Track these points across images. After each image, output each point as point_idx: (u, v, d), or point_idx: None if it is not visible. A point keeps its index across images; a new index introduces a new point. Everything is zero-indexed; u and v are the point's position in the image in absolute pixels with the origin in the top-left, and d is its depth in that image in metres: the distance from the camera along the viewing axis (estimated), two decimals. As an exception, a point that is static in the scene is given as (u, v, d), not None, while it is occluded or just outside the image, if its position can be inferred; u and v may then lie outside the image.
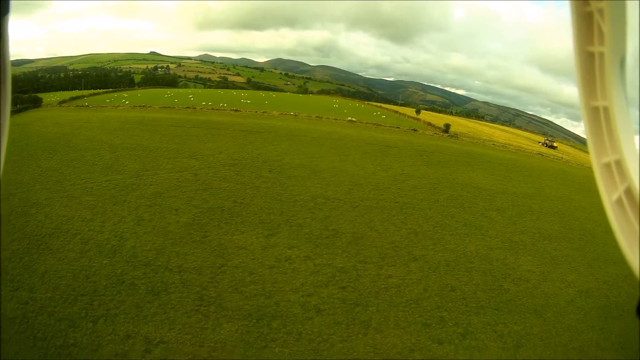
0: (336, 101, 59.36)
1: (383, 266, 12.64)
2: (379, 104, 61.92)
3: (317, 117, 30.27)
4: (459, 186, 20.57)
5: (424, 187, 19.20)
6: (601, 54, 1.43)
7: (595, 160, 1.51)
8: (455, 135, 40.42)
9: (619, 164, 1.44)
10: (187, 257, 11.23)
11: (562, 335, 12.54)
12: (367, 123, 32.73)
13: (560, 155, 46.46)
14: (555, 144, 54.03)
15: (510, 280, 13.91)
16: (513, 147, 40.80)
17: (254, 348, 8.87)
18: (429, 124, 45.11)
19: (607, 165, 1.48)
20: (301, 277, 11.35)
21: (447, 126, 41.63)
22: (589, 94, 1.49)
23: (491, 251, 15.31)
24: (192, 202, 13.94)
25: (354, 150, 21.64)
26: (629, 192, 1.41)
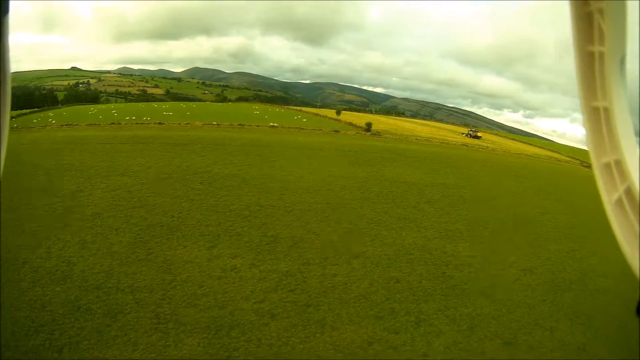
0: (256, 107, 61.17)
1: (326, 266, 13.51)
2: (298, 108, 64.57)
3: (239, 125, 31.25)
4: (387, 182, 22.16)
5: (353, 186, 20.58)
6: (601, 54, 1.58)
7: (595, 161, 1.68)
8: (377, 133, 43.10)
9: (619, 164, 1.60)
10: (136, 276, 11.45)
11: (515, 312, 13.42)
12: (289, 128, 34.37)
13: (485, 144, 51.39)
14: (479, 134, 59.52)
15: (453, 266, 15.15)
16: (437, 140, 44.47)
17: (221, 358, 9.31)
18: (351, 124, 47.95)
19: (607, 166, 1.64)
20: (249, 284, 11.99)
21: (369, 125, 44.67)
22: (589, 95, 1.65)
23: (428, 241, 16.62)
24: (131, 221, 14.17)
25: (280, 156, 22.89)
26: (628, 192, 1.57)
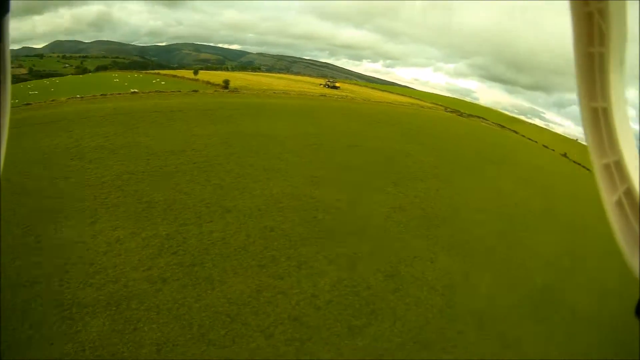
0: (115, 75, 57.52)
1: (202, 224, 14.23)
2: (156, 71, 62.07)
3: (101, 95, 29.86)
4: (249, 137, 22.90)
5: (216, 144, 21.11)
6: (601, 55, 1.66)
7: (595, 162, 1.75)
8: (236, 90, 43.22)
9: (619, 165, 1.69)
10: (31, 267, 11.28)
11: (392, 246, 15.36)
12: (149, 92, 33.25)
13: (344, 94, 54.21)
14: (337, 84, 62.26)
15: (322, 210, 16.60)
16: (295, 93, 45.57)
17: (126, 333, 9.76)
18: (208, 82, 47.44)
19: (607, 167, 1.72)
20: (135, 254, 12.41)
21: (227, 82, 44.60)
22: (589, 95, 1.73)
23: (296, 189, 17.91)
24: (16, 210, 13.54)
25: (142, 122, 22.66)
26: (628, 193, 1.66)
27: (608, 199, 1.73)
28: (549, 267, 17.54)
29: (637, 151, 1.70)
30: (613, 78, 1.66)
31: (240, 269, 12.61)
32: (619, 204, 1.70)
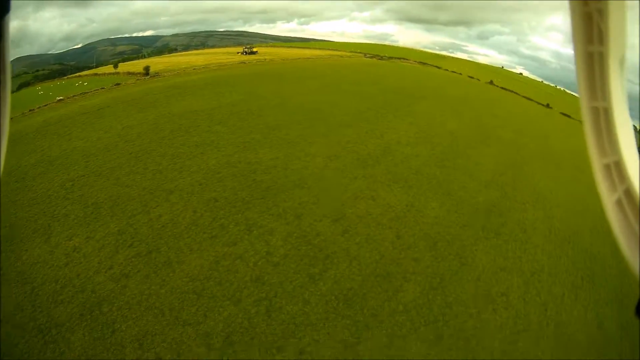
0: (39, 88, 54.74)
1: (149, 210, 14.27)
2: (76, 75, 59.50)
3: (30, 111, 28.59)
4: (176, 117, 22.84)
5: (147, 131, 20.83)
6: (601, 54, 1.65)
7: (595, 161, 1.74)
8: (157, 75, 42.46)
9: (618, 165, 1.69)
10: (1, 302, 10.99)
11: (333, 192, 15.98)
12: (73, 96, 32.19)
13: (262, 57, 53.98)
14: (255, 50, 61.81)
15: (260, 172, 16.94)
16: (214, 66, 45.03)
17: (107, 338, 9.95)
18: (129, 73, 46.27)
19: (607, 167, 1.72)
20: (94, 257, 12.37)
21: (147, 68, 43.56)
22: (589, 95, 1.72)
23: (230, 157, 18.10)
24: None
25: (73, 127, 22.07)
26: (628, 193, 1.65)
27: (608, 199, 1.70)
28: (490, 186, 18.55)
29: (637, 151, 1.69)
30: (613, 78, 1.66)
31: (194, 245, 12.74)
32: (619, 204, 1.69)
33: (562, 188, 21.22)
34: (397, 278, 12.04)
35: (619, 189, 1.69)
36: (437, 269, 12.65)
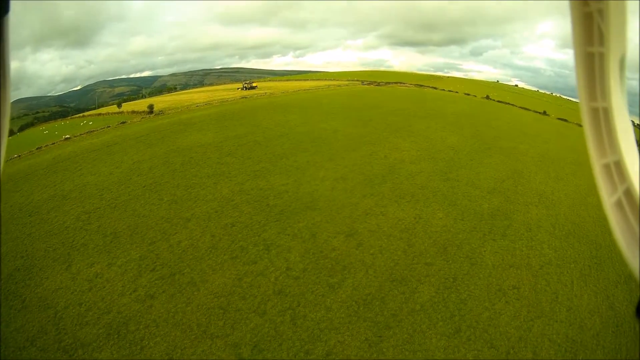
0: (43, 128, 55.94)
1: (169, 238, 14.80)
2: (81, 114, 61.06)
3: (37, 149, 29.54)
4: (186, 151, 23.61)
5: (158, 164, 21.49)
6: (601, 55, 1.66)
7: (595, 162, 1.74)
8: (161, 112, 43.74)
9: (618, 165, 1.68)
10: (25, 327, 11.56)
11: (344, 211, 17.04)
12: (81, 134, 33.21)
13: (262, 91, 55.25)
14: (254, 84, 63.37)
15: (273, 197, 17.80)
16: (217, 101, 46.37)
17: (136, 354, 10.39)
18: (134, 111, 47.84)
19: (607, 167, 1.72)
20: (117, 281, 12.75)
21: (151, 107, 45.01)
22: (589, 95, 1.73)
23: (243, 185, 18.85)
24: None
25: (84, 163, 22.90)
26: (628, 193, 1.65)
27: (608, 199, 1.69)
28: (493, 193, 19.10)
29: (637, 151, 1.69)
30: (613, 78, 1.66)
31: (216, 266, 13.16)
32: (619, 204, 1.69)
33: (562, 186, 22.00)
34: (412, 281, 12.56)
35: (619, 189, 1.69)
36: (449, 271, 13.18)
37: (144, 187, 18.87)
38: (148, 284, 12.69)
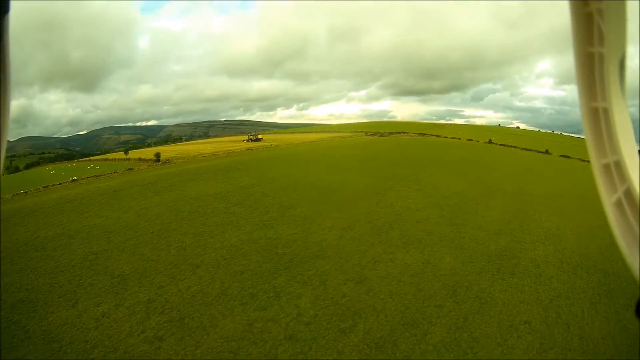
0: (50, 168, 57.28)
1: (178, 283, 14.72)
2: (87, 158, 62.64)
3: (44, 187, 29.86)
4: (194, 200, 24.05)
5: (166, 212, 21.85)
6: (601, 55, 1.65)
7: (595, 162, 1.75)
8: (168, 161, 44.51)
9: (618, 165, 1.67)
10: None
11: (352, 258, 17.04)
12: (87, 178, 33.71)
13: (268, 144, 56.40)
14: (260, 137, 64.71)
15: (281, 246, 17.77)
16: (223, 153, 47.35)
17: None
18: (140, 159, 49.15)
19: (607, 167, 1.72)
20: (125, 322, 12.66)
21: (158, 155, 46.45)
22: (589, 95, 1.73)
23: (252, 234, 18.94)
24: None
25: (90, 205, 23.26)
26: (628, 193, 1.64)
27: (607, 200, 1.71)
28: (500, 234, 19.38)
29: (637, 151, 1.68)
30: (613, 78, 1.65)
31: (226, 311, 13.07)
32: (619, 204, 1.68)
33: (568, 222, 22.28)
34: (423, 323, 12.47)
35: (618, 189, 1.68)
36: (459, 312, 13.10)
37: (152, 232, 19.08)
38: (156, 326, 12.63)
